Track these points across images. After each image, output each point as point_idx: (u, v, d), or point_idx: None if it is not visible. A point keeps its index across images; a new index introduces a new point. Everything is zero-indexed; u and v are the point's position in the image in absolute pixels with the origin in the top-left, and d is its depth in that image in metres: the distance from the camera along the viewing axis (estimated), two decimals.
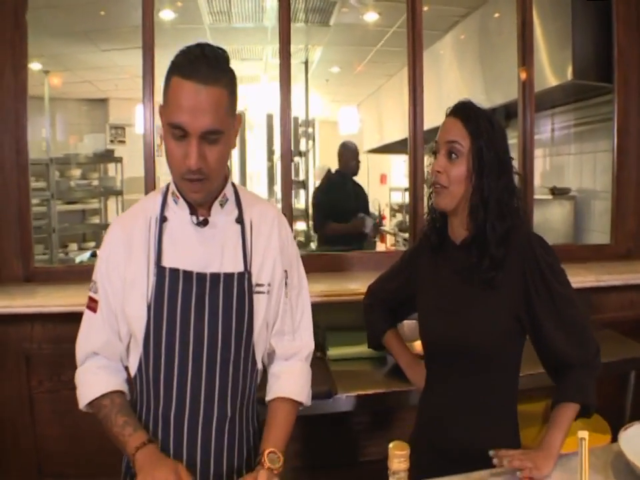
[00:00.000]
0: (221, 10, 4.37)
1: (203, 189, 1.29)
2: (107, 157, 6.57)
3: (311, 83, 6.30)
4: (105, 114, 8.33)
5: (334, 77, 7.07)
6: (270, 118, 7.97)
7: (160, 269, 1.34)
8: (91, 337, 1.42)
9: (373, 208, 6.45)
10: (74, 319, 1.57)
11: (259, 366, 1.45)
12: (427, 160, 2.86)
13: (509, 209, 1.43)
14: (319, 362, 2.16)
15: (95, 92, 7.79)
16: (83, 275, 2.43)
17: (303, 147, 6.61)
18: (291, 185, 2.78)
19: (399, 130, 6.70)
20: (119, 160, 6.51)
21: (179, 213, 1.38)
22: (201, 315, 1.34)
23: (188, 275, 1.34)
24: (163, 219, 1.38)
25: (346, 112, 6.94)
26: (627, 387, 2.44)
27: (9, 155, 2.58)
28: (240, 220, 1.42)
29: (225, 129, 1.25)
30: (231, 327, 1.35)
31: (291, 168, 2.80)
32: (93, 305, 1.41)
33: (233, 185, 1.45)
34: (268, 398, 1.46)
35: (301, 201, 7.00)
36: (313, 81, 6.50)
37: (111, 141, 7.87)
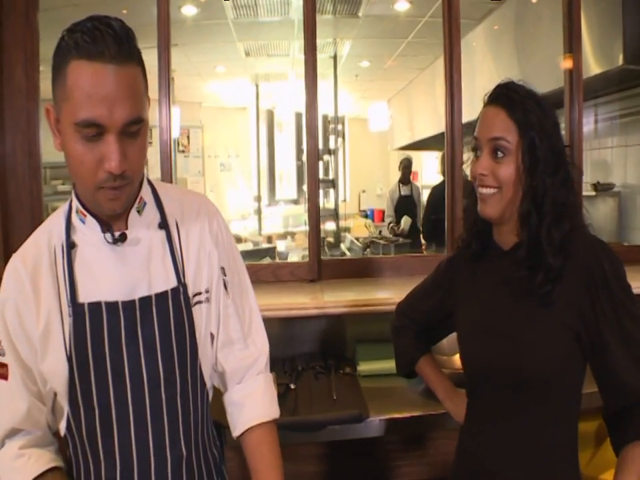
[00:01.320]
0: (245, 3, 4.22)
1: (123, 195, 1.06)
2: None
3: (339, 79, 6.12)
4: None
5: (363, 72, 6.86)
6: (299, 117, 7.86)
7: (77, 307, 1.09)
8: (6, 412, 1.14)
9: None
10: None
11: (208, 384, 1.23)
12: (465, 156, 2.67)
13: (566, 209, 1.20)
14: (349, 379, 2.01)
15: None
16: None
17: (332, 145, 6.45)
18: (317, 184, 2.60)
19: (431, 125, 6.54)
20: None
21: (88, 234, 1.13)
22: (135, 351, 1.10)
23: (112, 306, 1.10)
24: (70, 245, 1.12)
25: (376, 108, 6.76)
26: None
27: (21, 158, 2.46)
28: (163, 224, 1.18)
29: (145, 116, 1.03)
30: (172, 357, 1.13)
31: (319, 167, 2.62)
32: (2, 370, 1.13)
33: (150, 182, 1.22)
34: (237, 433, 1.25)
35: (331, 200, 6.84)
36: (342, 77, 6.33)
37: None
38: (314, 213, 2.55)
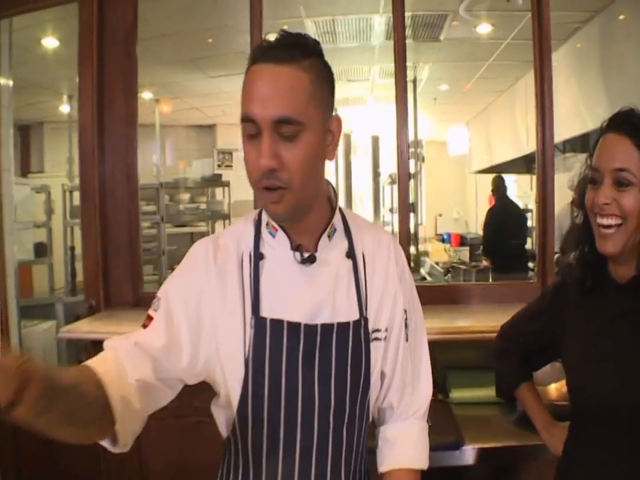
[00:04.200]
0: (327, 30, 4.29)
1: (284, 200, 1.03)
2: (215, 181, 6.61)
3: (418, 103, 6.10)
4: (212, 139, 8.57)
5: (442, 96, 6.83)
6: (375, 140, 7.85)
7: (259, 321, 1.09)
8: (144, 333, 1.08)
9: None
10: None
11: (371, 418, 1.23)
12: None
13: None
14: (441, 406, 1.97)
15: (203, 118, 8.03)
16: None
17: (411, 169, 6.40)
18: (408, 208, 2.62)
19: (510, 149, 6.41)
20: (226, 184, 6.54)
21: (277, 249, 1.13)
22: (310, 375, 1.10)
23: (294, 327, 1.09)
24: (259, 256, 1.13)
25: (455, 131, 6.68)
26: None
27: (120, 180, 2.61)
28: (351, 254, 1.17)
29: (305, 121, 1.00)
30: (345, 387, 1.12)
31: (408, 191, 2.61)
32: (146, 322, 1.09)
33: (340, 210, 1.21)
34: (382, 469, 1.23)
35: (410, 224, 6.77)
36: (421, 100, 6.30)
37: (219, 166, 8.03)
38: (405, 238, 2.55)
